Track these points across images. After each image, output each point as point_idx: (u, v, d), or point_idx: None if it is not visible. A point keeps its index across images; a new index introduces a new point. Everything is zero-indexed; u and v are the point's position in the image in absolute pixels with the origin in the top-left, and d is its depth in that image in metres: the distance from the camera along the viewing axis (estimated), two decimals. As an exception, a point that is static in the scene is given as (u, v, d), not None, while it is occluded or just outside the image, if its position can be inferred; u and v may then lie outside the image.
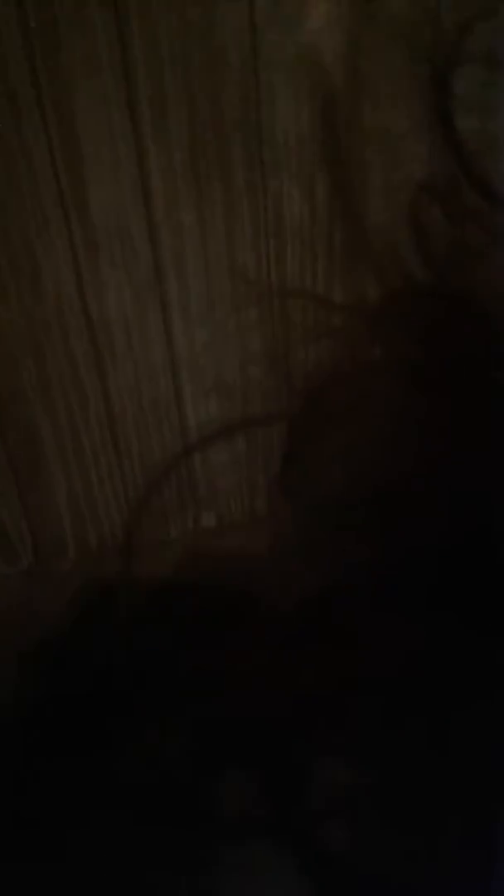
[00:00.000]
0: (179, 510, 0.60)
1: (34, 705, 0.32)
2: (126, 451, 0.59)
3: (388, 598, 0.26)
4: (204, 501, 0.60)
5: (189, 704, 0.29)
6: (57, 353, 0.55)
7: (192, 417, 0.58)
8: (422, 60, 0.27)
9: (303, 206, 0.53)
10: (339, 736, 0.26)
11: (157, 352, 0.56)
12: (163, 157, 0.50)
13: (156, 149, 0.50)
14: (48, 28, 0.44)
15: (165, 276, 0.54)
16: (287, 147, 0.51)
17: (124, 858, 0.28)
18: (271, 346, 0.54)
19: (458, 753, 0.25)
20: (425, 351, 0.26)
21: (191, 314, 0.56)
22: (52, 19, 0.44)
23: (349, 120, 0.48)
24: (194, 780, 0.28)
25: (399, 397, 0.27)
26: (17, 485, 0.58)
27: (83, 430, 0.57)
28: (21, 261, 0.51)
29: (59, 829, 0.29)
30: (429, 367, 0.26)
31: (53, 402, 0.56)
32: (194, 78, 0.48)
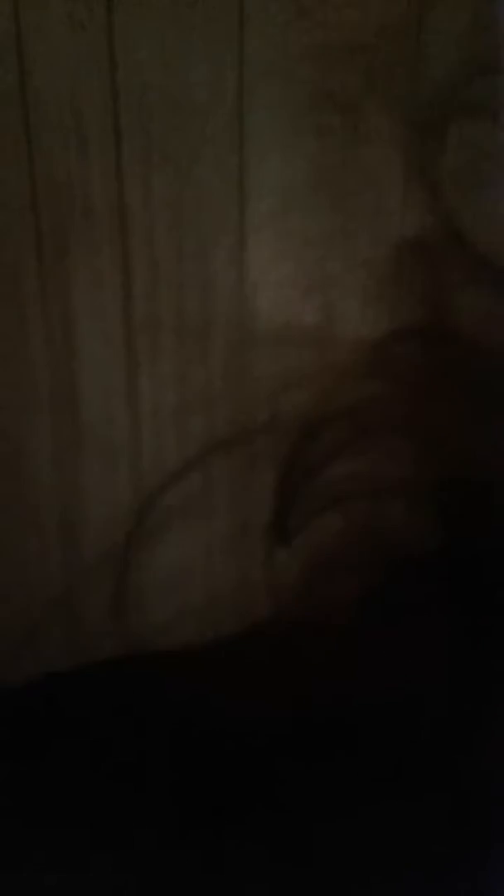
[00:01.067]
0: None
1: None
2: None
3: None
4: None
5: None
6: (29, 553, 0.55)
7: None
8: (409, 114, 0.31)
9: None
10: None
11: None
12: (154, 368, 0.54)
13: (146, 360, 0.54)
14: (59, 235, 0.51)
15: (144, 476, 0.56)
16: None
17: None
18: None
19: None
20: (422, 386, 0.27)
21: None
22: (63, 230, 0.51)
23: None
24: None
25: (398, 432, 0.28)
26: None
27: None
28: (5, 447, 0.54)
29: None
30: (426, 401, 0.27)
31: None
32: (186, 298, 0.54)
